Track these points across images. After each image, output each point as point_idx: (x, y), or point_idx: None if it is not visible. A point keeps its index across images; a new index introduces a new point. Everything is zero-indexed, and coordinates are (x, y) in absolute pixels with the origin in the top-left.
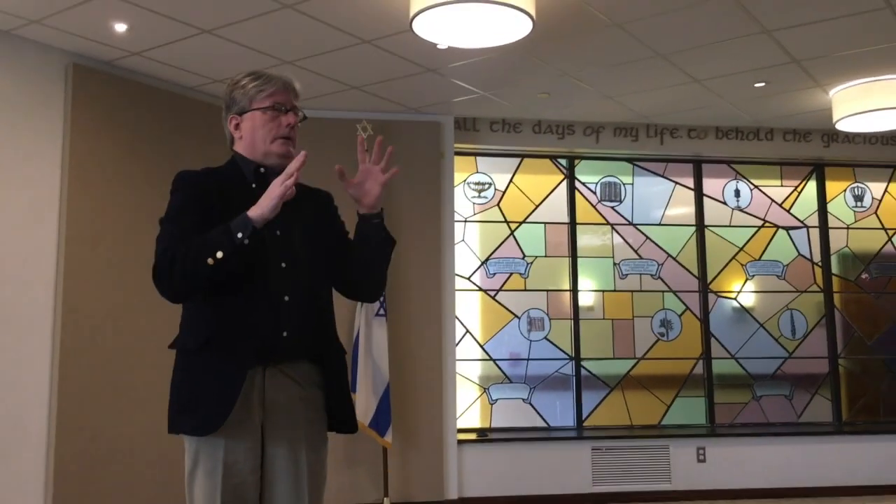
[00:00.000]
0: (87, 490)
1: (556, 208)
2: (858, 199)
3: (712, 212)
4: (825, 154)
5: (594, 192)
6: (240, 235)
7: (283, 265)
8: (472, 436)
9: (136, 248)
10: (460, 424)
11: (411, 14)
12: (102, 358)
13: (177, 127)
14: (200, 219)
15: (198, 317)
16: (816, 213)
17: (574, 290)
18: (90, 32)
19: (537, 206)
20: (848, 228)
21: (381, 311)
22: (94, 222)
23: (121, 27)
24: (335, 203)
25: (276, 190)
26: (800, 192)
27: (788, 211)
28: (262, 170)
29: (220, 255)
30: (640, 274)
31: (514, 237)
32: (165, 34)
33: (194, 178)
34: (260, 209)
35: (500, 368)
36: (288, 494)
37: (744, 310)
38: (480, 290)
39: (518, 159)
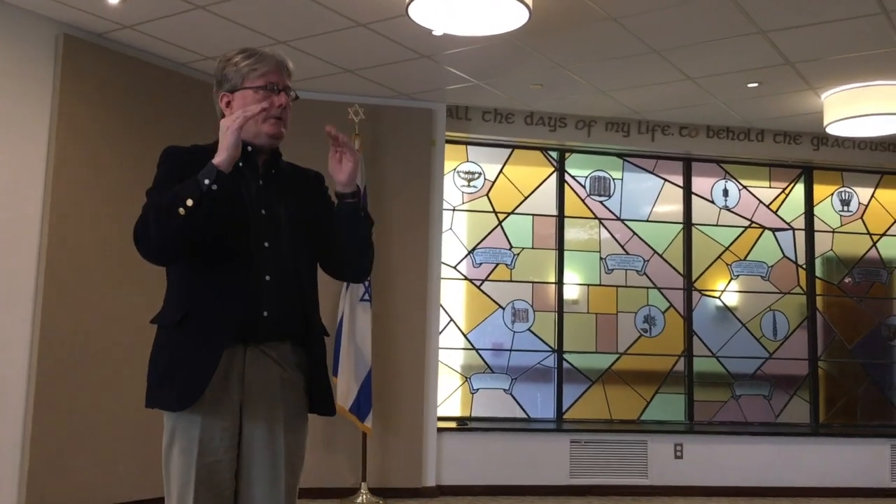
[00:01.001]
0: (63, 463)
1: (545, 201)
2: (845, 203)
3: (700, 210)
4: (814, 157)
5: (583, 186)
6: (206, 181)
7: (266, 244)
8: (452, 424)
9: (121, 222)
10: (441, 413)
11: None
12: (83, 331)
13: (167, 102)
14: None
15: (179, 292)
16: (803, 215)
17: (559, 283)
18: (83, 3)
19: (526, 198)
20: (833, 232)
21: (366, 297)
22: (79, 195)
23: None
24: (325, 184)
25: (228, 122)
26: (787, 194)
27: (775, 212)
28: (249, 148)
29: (189, 202)
30: (626, 269)
31: (502, 228)
32: (159, 8)
33: (180, 153)
34: (220, 154)
35: (482, 358)
36: (264, 475)
37: (727, 309)
38: (466, 279)
39: (509, 150)
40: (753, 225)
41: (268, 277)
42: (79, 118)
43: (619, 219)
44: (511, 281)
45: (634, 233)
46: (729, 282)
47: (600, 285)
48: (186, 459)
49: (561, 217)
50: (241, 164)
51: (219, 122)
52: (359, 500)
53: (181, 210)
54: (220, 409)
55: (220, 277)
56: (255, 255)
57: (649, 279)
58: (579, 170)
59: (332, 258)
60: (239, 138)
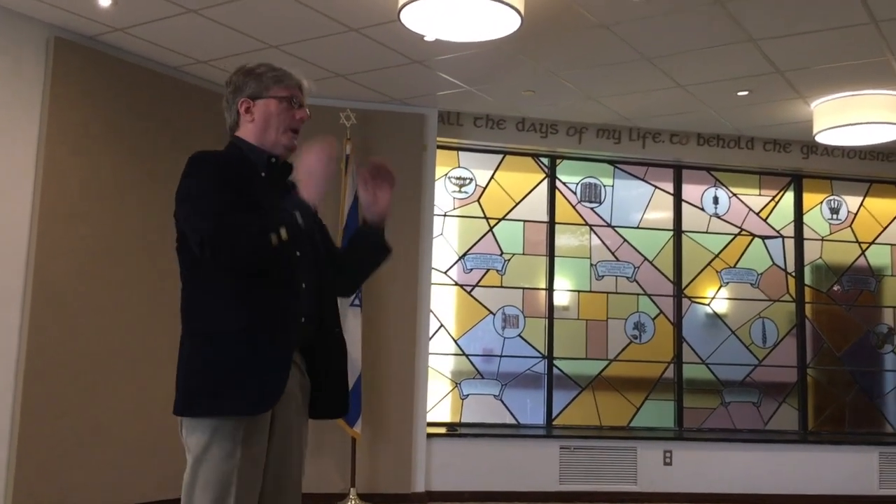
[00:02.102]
0: (52, 469)
1: (536, 207)
2: (834, 211)
3: (690, 217)
4: (804, 165)
5: (574, 193)
6: (298, 215)
7: (299, 254)
8: (442, 430)
9: (111, 225)
10: (430, 418)
11: (399, 4)
12: (71, 337)
13: (158, 106)
14: (234, 199)
15: (234, 300)
16: (793, 223)
17: (550, 289)
18: (74, 6)
19: (517, 204)
20: (822, 240)
21: (357, 302)
22: (68, 198)
23: (105, 2)
24: None
25: (317, 166)
26: (777, 202)
27: (765, 220)
28: (272, 159)
29: (283, 233)
30: (616, 276)
31: (493, 233)
32: (150, 11)
33: (217, 160)
34: (310, 193)
35: (472, 364)
36: (291, 477)
37: (716, 316)
38: (457, 284)
39: (500, 156)
40: (743, 232)
41: (304, 285)
42: (69, 121)
43: (609, 225)
44: (502, 287)
45: (625, 239)
46: (719, 289)
47: (591, 292)
48: (229, 462)
49: (552, 223)
50: (263, 174)
51: (228, 129)
52: None
53: (274, 238)
54: (258, 416)
55: (275, 285)
56: (293, 262)
57: (639, 286)
58: (570, 176)
59: (336, 274)
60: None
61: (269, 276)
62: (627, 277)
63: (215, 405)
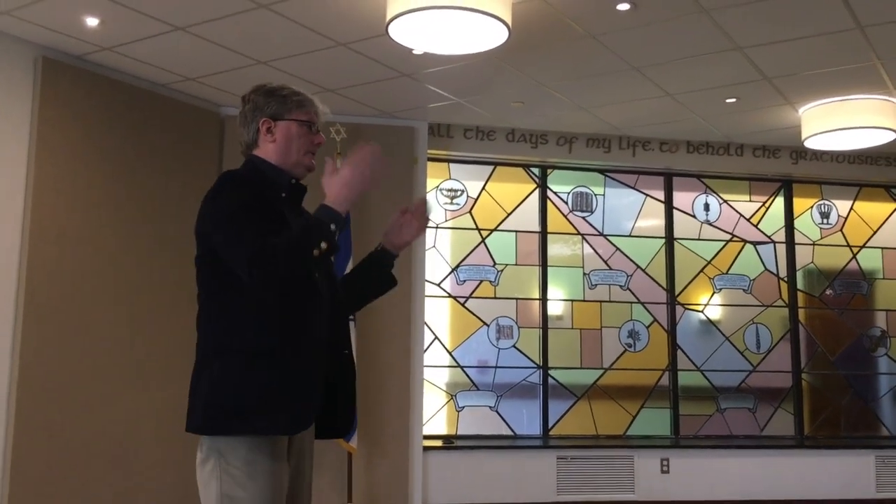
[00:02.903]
0: (44, 489)
1: (528, 217)
2: (825, 216)
3: (682, 225)
4: (793, 171)
5: (566, 202)
6: (333, 227)
7: (317, 275)
8: (438, 443)
9: (101, 244)
10: (426, 431)
11: (387, 18)
12: (64, 355)
13: (147, 124)
14: (268, 220)
15: (267, 319)
16: (784, 228)
17: (543, 299)
18: (61, 26)
19: (509, 215)
20: (814, 245)
21: (351, 316)
22: (59, 217)
23: (92, 21)
24: None
25: (354, 176)
26: (768, 208)
27: (756, 226)
28: (293, 181)
29: (323, 245)
30: (609, 284)
31: (486, 245)
32: (138, 30)
33: (246, 181)
34: (341, 203)
35: (467, 376)
36: (303, 498)
37: (710, 323)
38: (450, 296)
39: (491, 167)
40: (735, 239)
41: (322, 306)
42: (58, 140)
43: (601, 234)
44: (495, 298)
45: (617, 248)
46: (712, 295)
47: (584, 301)
48: (272, 479)
49: (544, 233)
50: (283, 194)
51: (244, 148)
52: None
53: (315, 252)
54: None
55: (300, 307)
56: (317, 285)
57: (633, 294)
58: (561, 186)
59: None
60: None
61: (301, 293)
62: (620, 286)
63: (257, 424)
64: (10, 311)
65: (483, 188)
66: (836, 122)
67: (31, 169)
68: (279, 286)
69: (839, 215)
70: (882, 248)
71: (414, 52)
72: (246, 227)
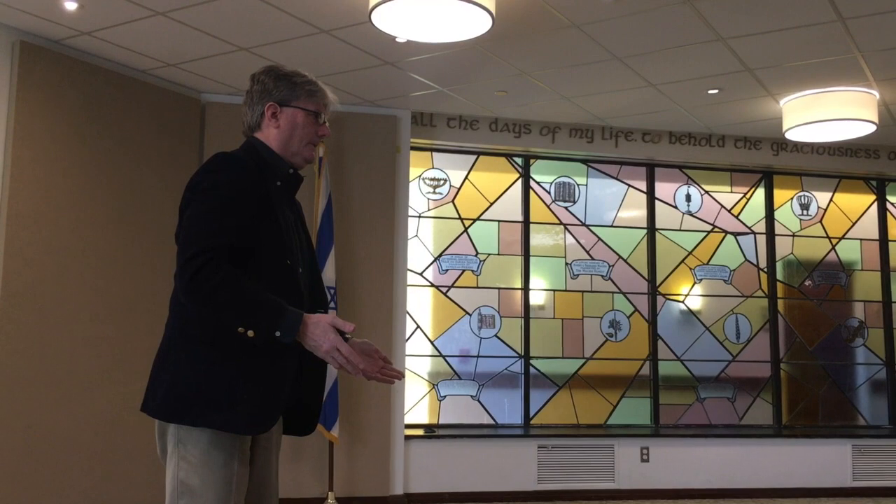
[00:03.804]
0: (22, 481)
1: (511, 207)
2: (805, 207)
3: (663, 215)
4: (774, 162)
5: (548, 192)
6: (278, 334)
7: (301, 270)
8: (420, 431)
9: (80, 232)
10: (408, 420)
11: (370, 5)
12: (41, 344)
13: (126, 110)
14: (243, 223)
15: None
16: (764, 219)
17: (525, 289)
18: (39, 10)
19: (492, 204)
20: (794, 236)
21: (332, 304)
22: (36, 204)
23: (71, 5)
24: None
25: (340, 354)
26: (748, 199)
27: (737, 217)
28: (291, 171)
29: (250, 334)
30: (591, 274)
31: (468, 234)
32: (117, 14)
33: (243, 175)
34: (308, 340)
35: (449, 365)
36: (270, 484)
37: (691, 313)
38: (432, 286)
39: (474, 156)
40: (716, 229)
41: (304, 300)
42: (36, 125)
43: (584, 224)
44: (477, 287)
45: (599, 238)
46: (692, 286)
47: (566, 291)
48: (227, 471)
49: (526, 223)
50: (279, 182)
51: (246, 129)
52: None
53: (241, 329)
54: None
55: (283, 298)
56: (298, 277)
57: (614, 284)
58: (544, 176)
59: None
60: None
61: (282, 291)
62: (602, 276)
63: (215, 419)
64: None
65: (466, 177)
66: (816, 114)
67: (8, 154)
68: (195, 306)
69: (819, 207)
70: (861, 240)
71: (397, 39)
72: (204, 227)
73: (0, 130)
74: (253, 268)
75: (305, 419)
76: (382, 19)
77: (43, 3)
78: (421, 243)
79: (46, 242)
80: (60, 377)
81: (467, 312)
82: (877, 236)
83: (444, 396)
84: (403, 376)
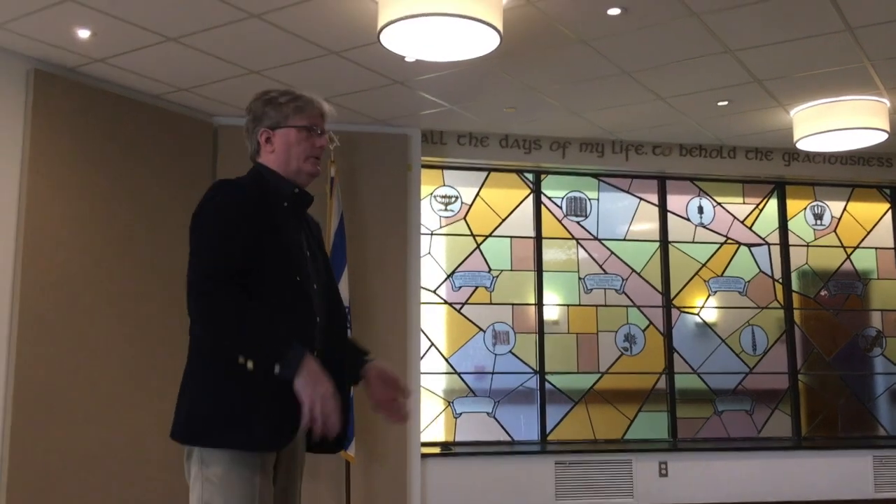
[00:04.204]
0: (41, 501)
1: (522, 222)
2: (818, 217)
3: (676, 228)
4: (786, 172)
5: (560, 207)
6: (277, 370)
7: (315, 287)
8: (436, 450)
9: (96, 257)
10: (424, 438)
11: (379, 26)
12: (60, 367)
13: (140, 135)
14: (248, 245)
15: None
16: (777, 230)
17: (539, 304)
18: (53, 38)
19: (503, 220)
20: (808, 246)
21: (346, 324)
22: (53, 229)
23: (84, 33)
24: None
25: (314, 408)
26: (761, 210)
27: (750, 228)
28: (296, 190)
29: (250, 365)
30: (605, 289)
31: (480, 251)
32: (130, 41)
33: (243, 198)
34: (303, 388)
35: (464, 382)
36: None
37: (706, 325)
38: (446, 303)
39: (485, 173)
40: (729, 241)
41: (318, 318)
42: (51, 152)
43: (596, 238)
44: (491, 304)
45: (612, 252)
46: (707, 298)
47: (580, 305)
48: (249, 489)
49: (539, 238)
50: (286, 203)
51: (251, 156)
52: None
53: (241, 359)
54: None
55: (291, 317)
56: (311, 296)
57: (628, 298)
58: (555, 191)
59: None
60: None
61: (293, 309)
62: (616, 290)
63: (234, 438)
64: (5, 324)
65: (477, 194)
66: (827, 124)
67: (24, 181)
68: (201, 331)
69: (833, 216)
70: (876, 249)
71: (406, 59)
72: (211, 249)
73: (16, 157)
74: (260, 287)
75: (338, 438)
76: (391, 40)
77: (57, 32)
78: (434, 261)
79: (63, 267)
80: (79, 399)
81: (481, 329)
82: (892, 245)
83: (460, 413)
84: (406, 420)
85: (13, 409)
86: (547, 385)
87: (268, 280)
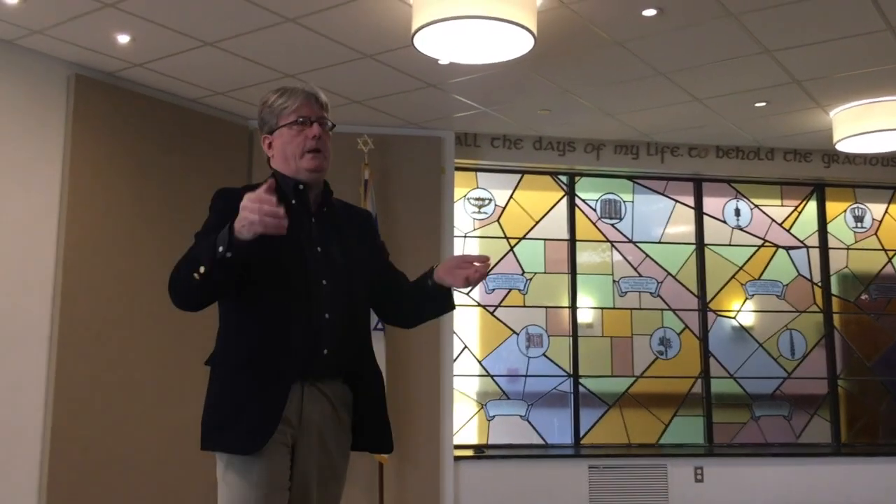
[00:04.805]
0: (81, 501)
1: (556, 225)
2: (859, 219)
3: (712, 230)
4: (825, 174)
5: (594, 209)
6: (221, 249)
7: (325, 282)
8: (469, 452)
9: (136, 259)
10: (457, 441)
11: (413, 29)
12: (99, 369)
13: (178, 138)
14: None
15: (240, 332)
16: (816, 233)
17: (573, 307)
18: (93, 43)
19: (537, 223)
20: (848, 249)
21: (380, 326)
22: (93, 233)
23: (123, 38)
24: (375, 223)
25: (250, 215)
26: (800, 212)
27: (788, 231)
28: (300, 186)
29: (202, 269)
30: (640, 292)
31: (514, 253)
32: (168, 46)
33: (230, 196)
34: (240, 223)
35: (497, 385)
36: None
37: (743, 329)
38: (479, 305)
39: (518, 175)
40: (767, 244)
41: (327, 315)
42: (92, 156)
43: (630, 241)
44: (524, 306)
45: (647, 255)
46: (744, 301)
47: (614, 308)
48: (243, 491)
49: (572, 241)
50: (294, 201)
51: (267, 164)
52: None
53: (196, 276)
54: (276, 449)
55: (283, 316)
56: (314, 292)
57: (663, 301)
58: (589, 193)
59: (395, 312)
60: (254, 229)
61: (278, 307)
62: (651, 293)
63: (219, 440)
64: (45, 327)
65: (511, 197)
66: (868, 125)
67: (65, 185)
68: (183, 308)
69: (873, 218)
70: None
71: (440, 62)
72: (198, 243)
73: (57, 161)
74: (250, 286)
75: (379, 435)
76: (425, 42)
77: (97, 37)
78: None
79: (104, 269)
80: (118, 401)
81: (515, 332)
82: None
83: (493, 416)
84: (480, 273)
85: (54, 410)
86: (581, 388)
87: (257, 278)
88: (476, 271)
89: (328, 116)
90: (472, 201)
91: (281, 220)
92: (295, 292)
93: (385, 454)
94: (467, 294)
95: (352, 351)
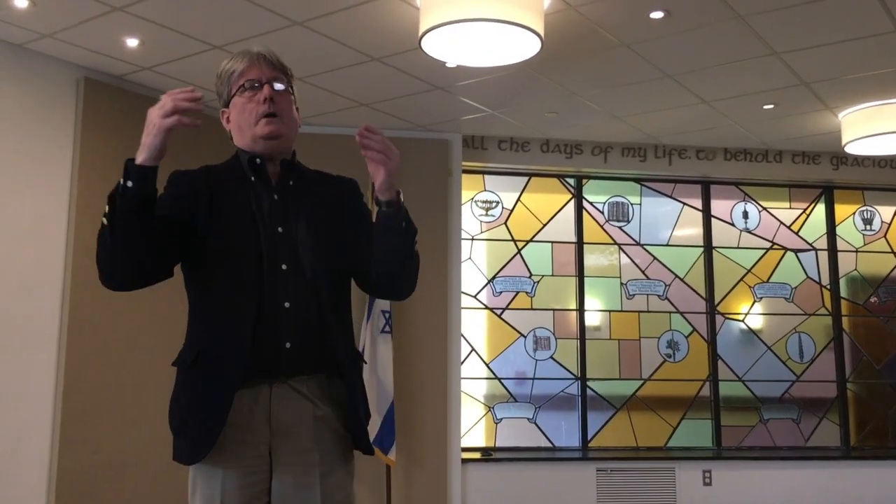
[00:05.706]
0: (89, 502)
1: (564, 227)
2: (867, 222)
3: (720, 233)
4: (834, 177)
5: (602, 212)
6: (121, 182)
7: (285, 267)
8: (477, 455)
9: None
10: (464, 443)
11: (420, 32)
12: (108, 371)
13: (186, 142)
14: (168, 213)
15: (193, 329)
16: (825, 235)
17: (580, 310)
18: (102, 47)
19: (544, 225)
20: (857, 252)
21: (387, 328)
22: None
23: (132, 42)
24: (361, 191)
25: (154, 114)
26: (808, 215)
27: (797, 233)
28: (258, 160)
29: (106, 209)
30: (647, 294)
31: (521, 256)
32: (177, 49)
33: (182, 177)
34: (140, 149)
35: (505, 387)
36: None
37: (751, 332)
38: (487, 308)
39: (526, 178)
40: (775, 246)
41: (287, 304)
42: (101, 159)
43: (638, 244)
44: (532, 309)
45: (655, 257)
46: (752, 304)
47: (622, 311)
48: (210, 500)
49: (580, 243)
50: (252, 178)
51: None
52: None
53: (104, 220)
54: (245, 456)
55: (233, 308)
56: (271, 279)
57: (671, 304)
58: (597, 196)
59: (369, 274)
60: (164, 134)
61: (229, 298)
62: (659, 296)
63: (174, 448)
64: (54, 329)
65: (518, 199)
66: (877, 127)
67: (74, 188)
68: (111, 287)
69: (882, 221)
70: None
71: (447, 65)
72: None
73: (66, 163)
74: (198, 273)
75: (355, 435)
76: (432, 46)
77: (106, 41)
78: (474, 266)
79: None
80: (126, 404)
81: (522, 334)
82: None
83: (501, 419)
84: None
85: (62, 410)
86: (588, 391)
87: (204, 250)
88: (366, 142)
89: (286, 76)
90: (480, 204)
91: (197, 95)
92: (246, 281)
93: (366, 454)
94: (474, 297)
95: (321, 342)
